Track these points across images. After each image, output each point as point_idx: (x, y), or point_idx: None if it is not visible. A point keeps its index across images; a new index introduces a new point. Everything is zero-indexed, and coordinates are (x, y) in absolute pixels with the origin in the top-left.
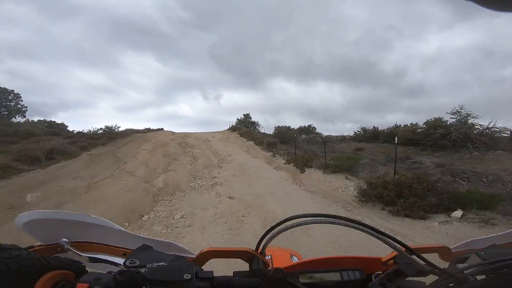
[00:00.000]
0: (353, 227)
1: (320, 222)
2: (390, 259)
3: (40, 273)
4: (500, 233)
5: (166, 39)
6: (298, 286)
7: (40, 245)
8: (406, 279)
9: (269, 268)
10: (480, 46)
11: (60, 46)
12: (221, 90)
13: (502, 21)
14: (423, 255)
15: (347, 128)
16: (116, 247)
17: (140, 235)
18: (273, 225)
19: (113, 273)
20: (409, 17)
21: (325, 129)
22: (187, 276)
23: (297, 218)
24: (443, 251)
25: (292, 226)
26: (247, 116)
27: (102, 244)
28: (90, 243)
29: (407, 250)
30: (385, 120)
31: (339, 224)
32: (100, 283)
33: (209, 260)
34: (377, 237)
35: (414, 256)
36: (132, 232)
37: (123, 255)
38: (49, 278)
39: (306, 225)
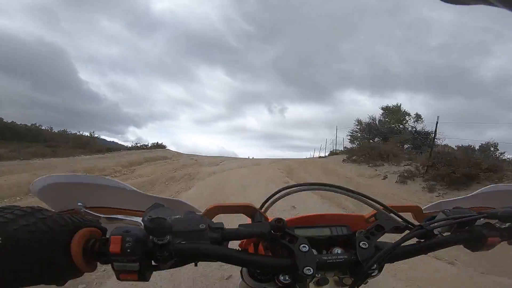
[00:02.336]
0: (340, 192)
1: (314, 189)
2: (371, 217)
3: (72, 232)
4: (464, 196)
5: (233, 53)
6: (295, 235)
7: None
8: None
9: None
10: None
11: (147, 61)
12: (286, 103)
13: None
14: (399, 213)
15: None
16: (130, 210)
17: (152, 194)
18: (276, 190)
19: (141, 223)
20: (507, 17)
21: None
22: (202, 226)
23: (295, 186)
24: (416, 211)
25: (290, 193)
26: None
27: (117, 208)
28: (105, 208)
29: (385, 208)
30: (483, 136)
31: (329, 190)
32: (131, 234)
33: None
34: (360, 199)
35: (392, 214)
36: (144, 192)
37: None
38: (81, 235)
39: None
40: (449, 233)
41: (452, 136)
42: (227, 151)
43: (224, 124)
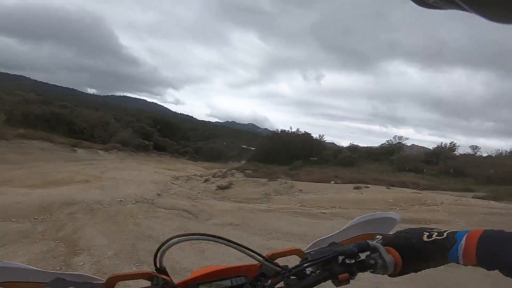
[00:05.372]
0: (222, 243)
1: (195, 239)
2: (260, 265)
3: None
4: (337, 231)
5: (267, 17)
6: None
7: None
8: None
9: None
10: None
11: (182, 26)
12: (323, 71)
13: None
14: (283, 258)
15: (486, 128)
16: (30, 282)
17: (51, 271)
18: (159, 244)
19: None
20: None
21: (456, 126)
22: None
23: (179, 236)
24: (298, 253)
25: (175, 243)
26: None
27: (11, 281)
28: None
29: (264, 258)
30: None
31: (211, 240)
32: None
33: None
34: (241, 251)
35: (269, 262)
36: (42, 269)
37: None
38: None
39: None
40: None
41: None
42: (259, 116)
43: (256, 88)
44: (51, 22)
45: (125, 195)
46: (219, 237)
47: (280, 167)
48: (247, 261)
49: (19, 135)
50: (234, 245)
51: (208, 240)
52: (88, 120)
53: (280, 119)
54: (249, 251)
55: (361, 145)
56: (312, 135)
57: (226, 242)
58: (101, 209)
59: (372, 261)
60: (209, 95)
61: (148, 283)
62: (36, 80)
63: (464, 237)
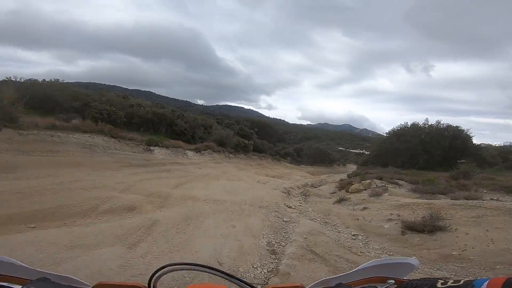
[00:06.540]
0: (218, 275)
1: (195, 270)
2: None
3: None
4: (347, 272)
5: (350, 13)
6: None
7: None
8: None
9: None
10: None
11: (264, 31)
12: (431, 61)
13: None
14: None
15: None
16: (15, 277)
17: (39, 269)
18: (163, 265)
19: None
20: None
21: None
22: None
23: (182, 264)
24: None
25: (175, 270)
26: None
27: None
28: None
29: None
30: None
31: (209, 272)
32: None
33: None
34: (238, 284)
35: None
36: (31, 267)
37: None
38: None
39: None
40: None
41: None
42: (355, 116)
43: (349, 87)
44: (161, 40)
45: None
46: (217, 270)
47: (431, 172)
48: None
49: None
50: (232, 279)
51: (206, 272)
52: (189, 121)
53: (382, 117)
54: (246, 285)
55: (494, 143)
56: (463, 129)
57: (226, 277)
58: None
59: None
60: (299, 98)
61: None
62: (160, 95)
63: (486, 284)
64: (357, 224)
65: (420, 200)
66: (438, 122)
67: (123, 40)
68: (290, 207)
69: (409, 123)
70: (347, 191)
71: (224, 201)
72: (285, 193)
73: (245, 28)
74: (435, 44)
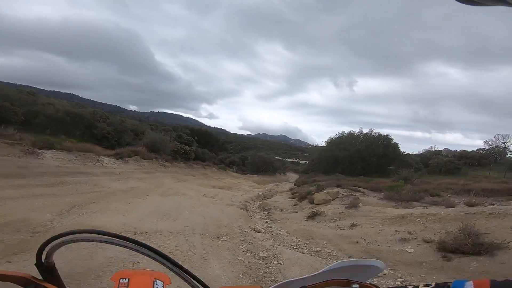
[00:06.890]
0: (159, 262)
1: (113, 243)
2: None
3: None
4: (312, 274)
5: (292, 26)
6: None
7: None
8: None
9: None
10: None
11: (210, 40)
12: (355, 77)
13: None
14: None
15: None
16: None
17: None
18: (59, 233)
19: None
20: None
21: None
22: None
23: (91, 232)
24: None
25: (82, 240)
26: None
27: None
28: None
29: None
30: None
31: (137, 251)
32: None
33: None
34: (187, 280)
35: None
36: None
37: None
38: None
39: None
40: None
41: None
42: (290, 127)
43: (286, 99)
44: (92, 39)
45: None
46: (156, 251)
47: (375, 179)
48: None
49: None
50: (183, 274)
51: (149, 256)
52: (114, 124)
53: (313, 129)
54: (197, 283)
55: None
56: (391, 138)
57: (173, 268)
58: None
59: None
60: (240, 108)
61: None
62: (84, 98)
63: (471, 284)
64: (364, 251)
65: (417, 211)
66: (371, 131)
67: (45, 36)
68: (258, 231)
69: (346, 132)
70: (312, 202)
71: (157, 233)
72: (243, 209)
73: (190, 35)
74: (360, 60)
